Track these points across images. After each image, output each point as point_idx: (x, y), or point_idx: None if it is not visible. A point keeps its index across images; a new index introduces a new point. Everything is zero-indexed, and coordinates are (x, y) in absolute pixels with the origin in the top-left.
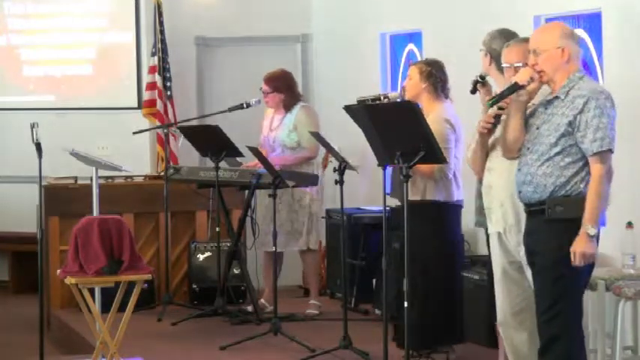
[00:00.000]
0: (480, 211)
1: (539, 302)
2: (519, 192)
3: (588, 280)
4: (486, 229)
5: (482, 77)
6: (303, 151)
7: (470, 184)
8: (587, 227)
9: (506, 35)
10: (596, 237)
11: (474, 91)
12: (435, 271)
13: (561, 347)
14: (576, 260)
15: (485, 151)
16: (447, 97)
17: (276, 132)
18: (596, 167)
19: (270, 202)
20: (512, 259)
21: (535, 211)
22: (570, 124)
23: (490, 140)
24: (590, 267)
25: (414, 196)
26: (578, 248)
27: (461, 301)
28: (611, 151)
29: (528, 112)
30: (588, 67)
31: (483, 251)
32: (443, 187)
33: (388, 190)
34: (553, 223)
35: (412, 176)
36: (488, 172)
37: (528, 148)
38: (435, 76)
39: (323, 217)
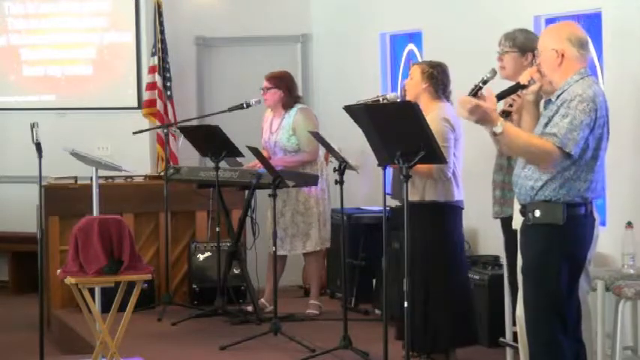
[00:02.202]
0: (497, 200)
1: (525, 307)
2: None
3: (573, 285)
4: (501, 219)
5: (485, 82)
6: (303, 155)
7: (476, 183)
8: (500, 124)
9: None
10: (495, 133)
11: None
12: (437, 272)
13: (544, 355)
14: (463, 103)
15: None
16: (447, 99)
17: (276, 135)
18: (553, 144)
19: (276, 204)
20: None
21: (522, 212)
22: (546, 126)
23: None
24: (571, 272)
25: (413, 196)
26: (488, 103)
27: (468, 302)
28: (562, 150)
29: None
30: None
31: (483, 251)
32: (442, 187)
33: (388, 191)
34: (532, 227)
35: (411, 176)
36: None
37: None
38: (437, 78)
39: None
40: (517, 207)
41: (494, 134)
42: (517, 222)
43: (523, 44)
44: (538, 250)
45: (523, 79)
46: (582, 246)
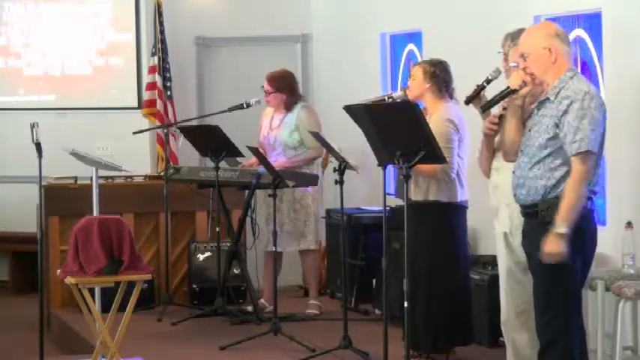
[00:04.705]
0: None
1: (536, 304)
2: (514, 194)
3: (584, 280)
4: None
5: (489, 81)
6: (309, 152)
7: (477, 183)
8: (558, 226)
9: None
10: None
11: (472, 99)
12: (439, 271)
13: (560, 349)
14: (543, 258)
15: (491, 151)
16: (451, 97)
17: (277, 131)
18: (575, 168)
19: (270, 201)
20: (517, 260)
21: (529, 213)
22: (557, 125)
23: (496, 140)
24: (584, 266)
25: (416, 196)
26: (545, 247)
27: (468, 301)
28: (591, 152)
29: (527, 114)
30: (588, 67)
31: (484, 251)
32: (446, 187)
33: (391, 191)
34: (546, 225)
35: (415, 177)
36: (495, 172)
37: (522, 151)
38: (439, 76)
39: (323, 217)
40: (505, 209)
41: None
42: (504, 225)
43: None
44: None
45: (514, 83)
46: (593, 239)
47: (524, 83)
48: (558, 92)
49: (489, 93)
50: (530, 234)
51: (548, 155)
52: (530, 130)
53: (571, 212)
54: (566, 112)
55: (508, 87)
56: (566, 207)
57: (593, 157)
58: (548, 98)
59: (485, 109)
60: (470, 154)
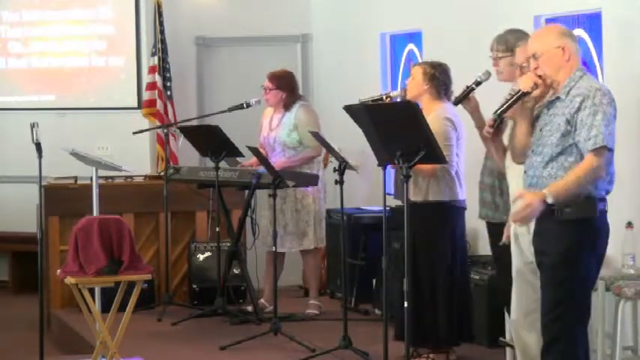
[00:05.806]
0: (486, 204)
1: (544, 302)
2: None
3: (596, 279)
4: (487, 222)
5: (479, 83)
6: (308, 151)
7: (475, 183)
8: (547, 194)
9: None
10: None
11: (460, 100)
12: (439, 271)
13: (563, 349)
14: (517, 203)
15: (500, 149)
16: (449, 99)
17: (276, 131)
18: (588, 158)
19: (272, 202)
20: (526, 260)
21: (544, 212)
22: (568, 122)
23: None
24: (597, 268)
25: (416, 196)
26: (528, 197)
27: (467, 301)
28: (606, 148)
29: (534, 114)
30: (588, 67)
31: (483, 251)
32: (446, 186)
33: (390, 192)
34: (562, 224)
35: (414, 176)
36: (507, 170)
37: (533, 150)
38: (439, 79)
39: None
40: (512, 207)
41: (547, 203)
42: (512, 227)
43: (516, 46)
44: (567, 246)
45: (524, 86)
46: (606, 240)
47: (536, 85)
48: (569, 91)
49: (477, 95)
50: (543, 232)
51: (561, 153)
52: (541, 130)
53: (565, 191)
54: (579, 109)
55: (519, 90)
56: (565, 186)
57: (608, 153)
58: (558, 97)
59: (500, 114)
60: (465, 155)
